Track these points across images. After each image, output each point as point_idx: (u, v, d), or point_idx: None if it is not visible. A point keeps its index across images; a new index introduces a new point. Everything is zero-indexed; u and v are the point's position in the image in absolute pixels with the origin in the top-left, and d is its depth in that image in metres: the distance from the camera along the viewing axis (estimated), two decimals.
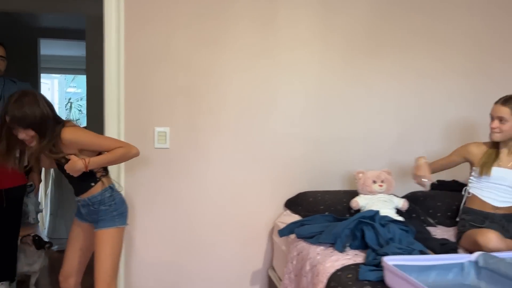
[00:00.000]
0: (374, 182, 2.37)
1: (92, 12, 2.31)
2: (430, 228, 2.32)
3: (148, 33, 2.49)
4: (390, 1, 2.74)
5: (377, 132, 2.80)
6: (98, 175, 2.04)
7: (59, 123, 1.98)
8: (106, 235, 2.04)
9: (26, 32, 7.02)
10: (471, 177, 2.25)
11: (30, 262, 2.97)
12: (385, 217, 2.05)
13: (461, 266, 1.62)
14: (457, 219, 2.27)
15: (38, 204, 3.91)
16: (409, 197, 2.70)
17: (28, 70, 7.10)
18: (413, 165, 2.31)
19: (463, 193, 2.28)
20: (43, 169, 3.74)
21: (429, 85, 2.84)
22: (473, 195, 2.21)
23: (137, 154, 2.08)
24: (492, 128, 2.17)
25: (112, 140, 2.13)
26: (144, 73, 2.50)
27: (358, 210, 2.34)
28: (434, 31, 2.81)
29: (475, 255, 1.63)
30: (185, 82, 2.55)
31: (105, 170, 2.10)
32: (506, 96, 2.15)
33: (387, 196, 2.37)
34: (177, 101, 2.55)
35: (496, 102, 2.16)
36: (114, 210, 2.04)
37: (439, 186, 2.75)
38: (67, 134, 1.94)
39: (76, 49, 7.82)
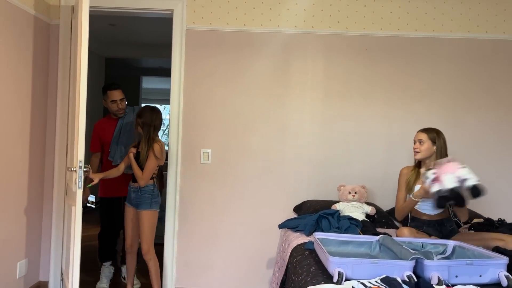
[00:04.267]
0: (349, 193, 3.21)
1: None
2: (390, 230, 3.11)
3: (198, 84, 3.62)
4: (379, 57, 3.59)
5: (367, 157, 3.61)
6: (152, 175, 3.19)
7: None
8: (143, 216, 3.18)
9: (132, 71, 8.78)
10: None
11: None
12: (345, 216, 2.90)
13: (370, 243, 2.43)
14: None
15: None
16: (391, 210, 3.50)
17: (133, 100, 8.78)
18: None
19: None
20: None
21: (412, 123, 3.60)
22: (416, 210, 2.93)
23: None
24: (414, 149, 2.89)
25: (147, 171, 3.18)
26: (195, 111, 3.63)
27: None
28: (414, 82, 3.59)
29: (379, 236, 2.43)
30: (222, 117, 3.63)
31: (157, 174, 3.25)
32: (427, 127, 2.91)
33: (359, 204, 3.19)
34: (217, 131, 3.63)
35: (418, 130, 2.90)
36: (152, 198, 3.19)
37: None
38: (156, 145, 3.17)
39: (169, 84, 9.37)
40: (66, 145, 3.59)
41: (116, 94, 3.62)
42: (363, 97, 3.61)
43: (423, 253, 2.34)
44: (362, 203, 3.22)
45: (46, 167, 3.66)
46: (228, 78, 3.62)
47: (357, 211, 3.12)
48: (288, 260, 2.67)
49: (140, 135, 3.26)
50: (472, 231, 3.05)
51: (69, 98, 3.58)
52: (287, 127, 3.63)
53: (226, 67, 3.62)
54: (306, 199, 3.60)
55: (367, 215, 3.17)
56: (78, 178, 2.66)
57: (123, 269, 3.97)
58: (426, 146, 2.84)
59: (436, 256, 2.39)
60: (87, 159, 3.78)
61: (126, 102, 3.70)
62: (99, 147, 3.70)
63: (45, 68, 3.61)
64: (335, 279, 1.92)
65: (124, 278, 3.96)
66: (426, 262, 1.98)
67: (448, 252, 2.42)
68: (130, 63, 8.55)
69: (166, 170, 3.64)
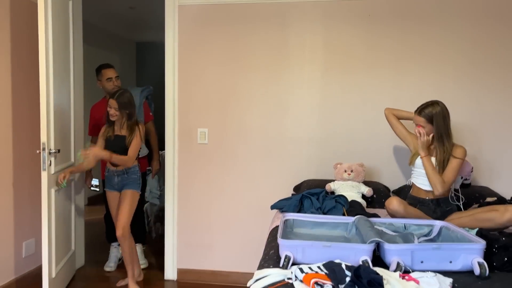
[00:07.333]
0: (345, 171, 2.99)
1: None
2: None
3: (192, 63, 3.51)
4: (384, 24, 3.28)
5: (372, 133, 3.34)
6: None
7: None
8: (130, 194, 3.19)
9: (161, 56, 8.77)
10: (412, 169, 2.70)
11: None
12: (332, 196, 2.70)
13: (346, 225, 2.23)
14: None
15: (155, 186, 4.74)
16: (399, 189, 3.24)
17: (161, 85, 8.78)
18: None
19: (407, 183, 2.74)
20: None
21: (418, 97, 3.24)
22: (413, 184, 2.67)
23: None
24: (417, 133, 2.57)
25: (134, 151, 3.17)
26: (191, 90, 3.53)
27: (333, 192, 2.98)
28: (425, 50, 3.24)
29: (355, 217, 2.21)
30: (218, 96, 3.50)
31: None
32: (422, 105, 2.56)
33: (355, 183, 2.96)
34: (213, 110, 3.52)
35: (415, 111, 2.58)
36: (138, 179, 3.22)
37: None
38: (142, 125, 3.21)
39: None
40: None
41: (111, 72, 3.61)
42: (366, 69, 3.33)
43: (403, 235, 2.12)
44: (359, 182, 2.99)
45: None
46: (223, 55, 3.47)
47: (352, 191, 2.90)
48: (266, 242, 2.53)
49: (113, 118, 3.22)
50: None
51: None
52: (285, 104, 3.44)
53: (221, 43, 3.47)
54: (306, 179, 3.41)
55: (364, 196, 2.94)
56: (42, 160, 2.68)
57: None
58: (428, 129, 2.55)
59: (419, 238, 2.16)
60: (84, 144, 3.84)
61: (120, 82, 3.67)
62: (97, 130, 3.71)
63: (29, 52, 3.46)
64: (281, 263, 1.76)
65: None
66: (386, 246, 1.77)
67: (434, 234, 2.17)
68: (163, 48, 8.58)
69: (163, 148, 3.61)
